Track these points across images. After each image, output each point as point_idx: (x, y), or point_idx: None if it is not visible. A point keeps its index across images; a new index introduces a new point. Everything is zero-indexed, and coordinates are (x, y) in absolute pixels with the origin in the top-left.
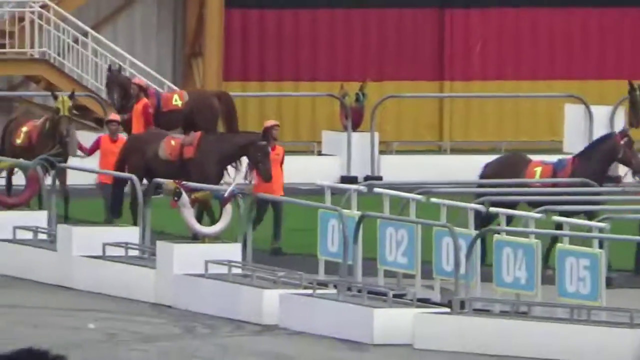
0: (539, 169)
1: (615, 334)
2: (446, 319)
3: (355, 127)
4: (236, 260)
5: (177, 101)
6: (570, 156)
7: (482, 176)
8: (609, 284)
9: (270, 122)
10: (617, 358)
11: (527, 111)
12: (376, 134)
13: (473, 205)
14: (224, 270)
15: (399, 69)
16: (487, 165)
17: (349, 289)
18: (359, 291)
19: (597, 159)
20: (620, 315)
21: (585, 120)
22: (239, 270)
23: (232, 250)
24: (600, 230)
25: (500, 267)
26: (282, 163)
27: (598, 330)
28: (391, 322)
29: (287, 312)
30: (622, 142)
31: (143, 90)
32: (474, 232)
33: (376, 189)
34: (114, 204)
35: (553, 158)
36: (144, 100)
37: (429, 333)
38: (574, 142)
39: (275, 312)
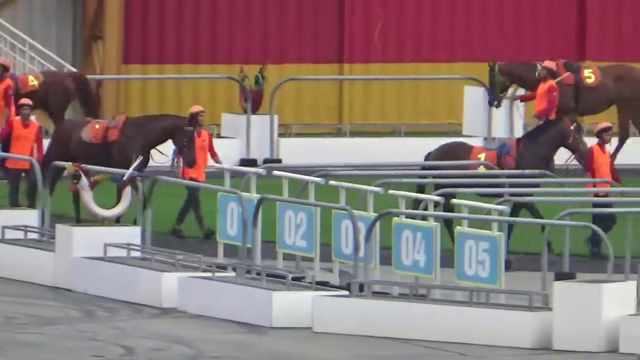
0: (482, 155)
1: (514, 317)
2: (345, 302)
3: (255, 110)
4: (135, 243)
5: (33, 82)
6: (512, 139)
7: (425, 166)
8: (508, 267)
9: (196, 108)
10: (516, 341)
11: (427, 93)
12: (275, 117)
13: (372, 187)
14: (123, 253)
15: (299, 52)
16: (429, 155)
17: (248, 272)
18: (258, 274)
19: (546, 143)
20: (519, 298)
21: (484, 102)
22: (138, 254)
23: (131, 233)
24: (500, 213)
25: (399, 250)
26: (210, 148)
27: (497, 313)
28: (290, 305)
29: (186, 295)
30: (572, 127)
31: (7, 70)
32: (373, 215)
33: (275, 172)
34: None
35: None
36: (7, 81)
37: (327, 316)
38: (473, 125)
39: (174, 295)
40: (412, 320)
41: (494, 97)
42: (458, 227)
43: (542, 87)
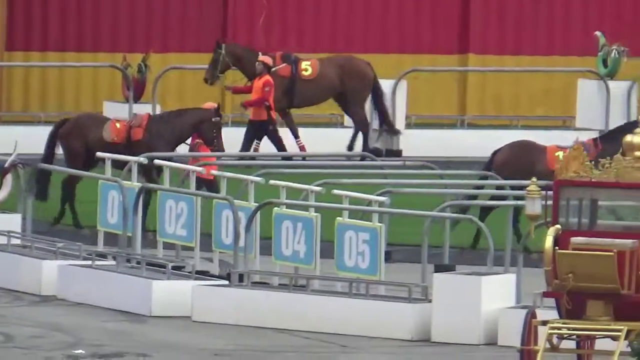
0: (560, 154)
1: (394, 308)
2: (224, 292)
3: (137, 98)
4: (16, 230)
5: None
6: (589, 139)
7: (493, 163)
8: (388, 258)
9: (211, 104)
10: (396, 332)
11: None
12: (158, 106)
13: (253, 177)
14: (3, 240)
15: (183, 41)
16: (496, 153)
17: (128, 260)
18: (138, 263)
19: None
20: (398, 289)
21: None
22: (18, 241)
23: (12, 221)
24: (380, 204)
25: (280, 241)
26: None
27: (376, 304)
28: (170, 294)
29: (66, 283)
30: None
31: None
32: (254, 205)
33: (157, 161)
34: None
35: (346, 132)
36: None
37: (207, 305)
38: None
39: (54, 283)
40: (291, 310)
41: (212, 75)
42: (338, 218)
43: (258, 83)
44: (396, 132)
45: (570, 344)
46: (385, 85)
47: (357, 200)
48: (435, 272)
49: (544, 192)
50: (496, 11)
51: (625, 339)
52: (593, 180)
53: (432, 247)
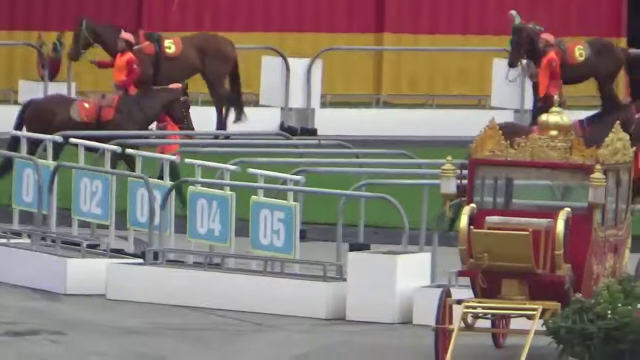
0: None
1: (308, 287)
2: (139, 270)
3: (52, 77)
4: None
5: None
6: (575, 120)
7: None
8: (303, 237)
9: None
10: (311, 311)
11: None
12: (73, 84)
13: (168, 156)
14: None
15: (97, 19)
16: None
17: (43, 238)
18: (53, 241)
19: (608, 129)
20: (313, 268)
21: (282, 72)
22: None
23: None
24: (295, 182)
25: (195, 219)
26: None
27: (291, 282)
28: (84, 272)
29: None
30: (637, 116)
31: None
32: (168, 184)
33: (72, 140)
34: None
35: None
36: None
37: (121, 283)
38: (270, 95)
39: None
40: (206, 289)
41: (75, 51)
42: (253, 197)
43: (121, 59)
44: (242, 119)
45: (486, 323)
46: (301, 64)
47: (272, 179)
48: (350, 250)
49: (458, 171)
50: None
51: (540, 318)
52: (508, 159)
53: (347, 225)
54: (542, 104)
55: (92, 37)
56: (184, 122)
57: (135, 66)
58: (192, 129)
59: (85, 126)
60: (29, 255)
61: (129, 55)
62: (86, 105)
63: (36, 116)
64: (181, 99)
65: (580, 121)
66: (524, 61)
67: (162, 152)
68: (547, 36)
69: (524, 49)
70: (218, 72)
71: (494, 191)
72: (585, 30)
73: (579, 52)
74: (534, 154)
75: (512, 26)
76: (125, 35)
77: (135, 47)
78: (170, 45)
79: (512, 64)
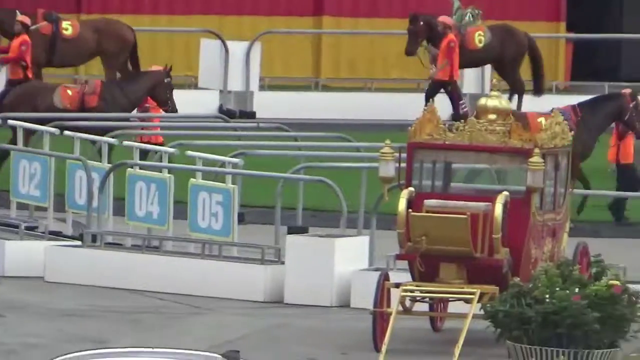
0: (542, 120)
1: (247, 270)
2: (77, 252)
3: None
4: None
5: None
6: (567, 105)
7: None
8: (241, 219)
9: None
10: (248, 294)
11: (164, 46)
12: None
13: (106, 138)
14: None
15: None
16: None
17: None
18: None
19: (603, 116)
20: (251, 251)
21: (221, 55)
22: None
23: None
24: (234, 165)
25: (133, 201)
26: None
27: (229, 266)
28: (22, 254)
29: None
30: (631, 105)
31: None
32: (107, 166)
33: (10, 122)
34: None
35: (199, 93)
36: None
37: (60, 266)
38: (209, 78)
39: None
40: (144, 271)
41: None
42: (191, 180)
43: (15, 42)
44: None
45: (423, 307)
46: (240, 47)
47: (210, 161)
48: (289, 234)
49: (397, 155)
50: None
51: (478, 302)
52: (447, 143)
53: (286, 209)
54: (434, 87)
55: None
56: (168, 104)
57: (23, 47)
58: (175, 110)
59: (67, 113)
60: None
61: (23, 36)
62: (69, 92)
63: (19, 102)
64: (164, 81)
65: (573, 106)
66: (425, 44)
67: (148, 140)
68: (444, 19)
69: (422, 37)
70: (113, 55)
71: (433, 175)
72: (524, 15)
73: (479, 38)
74: (473, 138)
75: (409, 14)
76: (21, 17)
77: (32, 27)
78: (68, 27)
79: (408, 53)
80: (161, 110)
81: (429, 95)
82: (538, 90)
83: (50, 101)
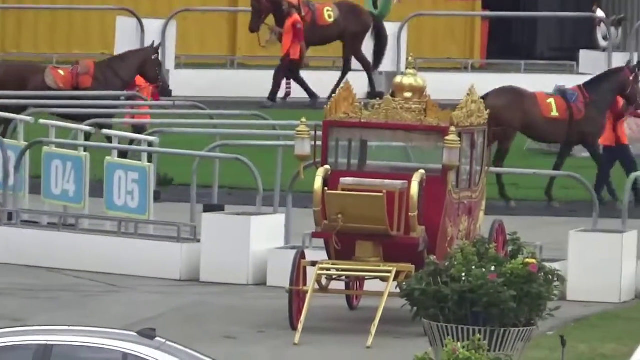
0: (552, 101)
1: (163, 248)
2: None
3: None
4: None
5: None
6: (574, 86)
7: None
8: (157, 197)
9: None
10: (164, 272)
11: (80, 24)
12: None
13: (22, 117)
14: None
15: None
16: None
17: None
18: None
19: (608, 91)
20: (167, 229)
21: (136, 34)
22: None
23: None
24: (150, 143)
25: (49, 180)
26: None
27: (145, 243)
28: None
29: None
30: (631, 78)
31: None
32: (23, 144)
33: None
34: None
35: None
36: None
37: None
38: None
39: None
40: (60, 249)
41: None
42: (107, 158)
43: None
44: None
45: (340, 285)
46: (155, 25)
47: (126, 139)
48: (205, 212)
49: (312, 133)
50: None
51: (394, 280)
52: (362, 121)
53: (202, 187)
54: (285, 65)
55: None
56: (158, 80)
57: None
58: (167, 87)
59: (61, 94)
60: None
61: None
62: (61, 72)
63: (7, 81)
64: (152, 57)
65: (580, 87)
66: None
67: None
68: None
69: (265, 14)
70: None
71: (348, 153)
72: None
73: (328, 13)
74: (389, 116)
75: None
76: None
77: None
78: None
79: (252, 29)
80: (151, 87)
81: (290, 76)
82: (376, 66)
83: (42, 81)
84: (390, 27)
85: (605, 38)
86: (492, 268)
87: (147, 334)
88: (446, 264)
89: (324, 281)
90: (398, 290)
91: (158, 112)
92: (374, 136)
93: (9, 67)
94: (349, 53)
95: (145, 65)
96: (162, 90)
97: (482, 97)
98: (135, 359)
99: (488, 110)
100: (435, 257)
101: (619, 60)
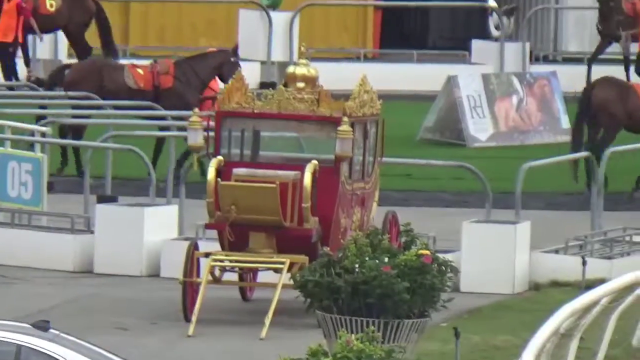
0: None
1: (57, 239)
2: None
3: None
4: None
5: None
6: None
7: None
8: (51, 189)
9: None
10: (58, 264)
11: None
12: None
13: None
14: None
15: None
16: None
17: None
18: None
19: None
20: (61, 220)
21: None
22: None
23: None
24: (42, 134)
25: None
26: None
27: (39, 235)
28: None
29: None
30: None
31: None
32: None
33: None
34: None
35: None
36: None
37: None
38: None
39: None
40: None
41: None
42: (0, 149)
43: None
44: None
45: (233, 277)
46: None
47: (19, 130)
48: (98, 203)
49: (205, 123)
50: None
51: (288, 271)
52: (255, 111)
53: (95, 177)
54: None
55: None
56: None
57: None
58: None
59: (141, 93)
60: None
61: None
62: (140, 71)
63: (83, 78)
64: (232, 60)
65: None
66: None
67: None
68: None
69: None
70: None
71: (241, 143)
72: None
73: (50, 2)
74: (281, 106)
75: None
76: None
77: None
78: None
79: None
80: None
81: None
82: (108, 53)
83: (121, 80)
84: (282, 17)
85: (497, 27)
86: (386, 259)
87: (41, 326)
88: (339, 256)
89: (217, 272)
90: (292, 281)
91: (51, 103)
92: (266, 126)
93: (83, 65)
94: (77, 41)
95: (223, 67)
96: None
97: (587, 88)
98: (29, 350)
99: (595, 100)
100: (328, 248)
101: (511, 49)
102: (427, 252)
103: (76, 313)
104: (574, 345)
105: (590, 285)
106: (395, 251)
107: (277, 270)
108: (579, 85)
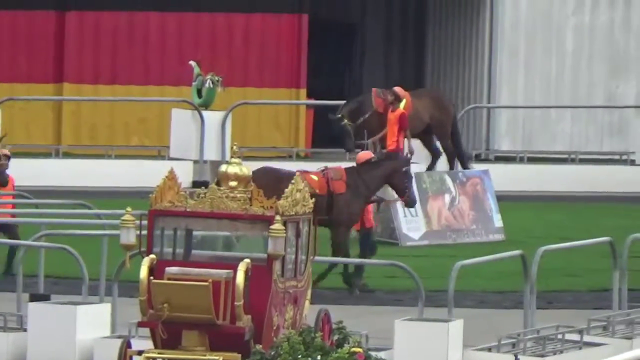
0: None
1: None
2: None
3: None
4: None
5: None
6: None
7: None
8: None
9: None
10: None
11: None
12: None
13: None
14: None
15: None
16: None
17: None
18: None
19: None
20: None
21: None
22: None
23: None
24: None
25: None
26: None
27: None
28: None
29: None
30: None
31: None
32: None
33: None
34: None
35: None
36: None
37: None
38: None
39: None
40: None
41: None
42: None
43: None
44: None
45: None
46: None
47: None
48: (31, 301)
49: (138, 222)
50: (91, 40)
51: None
52: (188, 210)
53: (28, 276)
54: None
55: None
56: (405, 193)
57: None
58: (414, 199)
59: (318, 198)
60: None
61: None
62: (314, 177)
63: (268, 185)
64: (404, 169)
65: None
66: None
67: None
68: None
69: None
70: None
71: (174, 242)
72: (265, 82)
73: None
74: (214, 205)
75: None
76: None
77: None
78: None
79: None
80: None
81: None
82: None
83: None
84: (215, 116)
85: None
86: (319, 357)
87: None
88: (272, 353)
89: None
90: None
91: None
92: (199, 225)
93: (267, 174)
94: None
95: (394, 176)
96: (409, 204)
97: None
98: None
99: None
100: (261, 346)
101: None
102: (360, 350)
103: None
104: None
105: None
106: (328, 349)
107: None
108: (513, 184)
